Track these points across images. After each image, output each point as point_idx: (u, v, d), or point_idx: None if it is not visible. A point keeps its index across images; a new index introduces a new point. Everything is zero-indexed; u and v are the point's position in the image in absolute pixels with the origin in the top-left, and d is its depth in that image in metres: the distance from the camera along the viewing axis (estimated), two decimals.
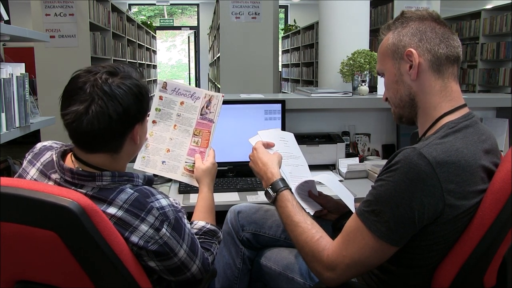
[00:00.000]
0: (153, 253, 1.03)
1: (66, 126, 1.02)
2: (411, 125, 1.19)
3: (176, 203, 1.11)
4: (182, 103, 1.44)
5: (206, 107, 1.45)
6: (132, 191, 1.04)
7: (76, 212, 0.85)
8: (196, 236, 1.18)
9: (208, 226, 1.28)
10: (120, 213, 1.00)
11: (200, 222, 1.28)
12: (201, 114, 1.45)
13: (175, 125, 1.44)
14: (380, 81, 2.50)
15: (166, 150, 1.43)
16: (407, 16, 1.14)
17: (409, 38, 1.10)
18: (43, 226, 0.86)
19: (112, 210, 1.01)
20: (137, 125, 1.08)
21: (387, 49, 1.15)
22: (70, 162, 1.08)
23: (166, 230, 1.04)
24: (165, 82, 1.45)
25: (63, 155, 1.11)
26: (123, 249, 0.97)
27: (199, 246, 1.15)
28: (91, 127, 0.99)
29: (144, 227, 1.01)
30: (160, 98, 1.44)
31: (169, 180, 1.97)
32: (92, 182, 1.04)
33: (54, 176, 1.07)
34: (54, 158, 1.09)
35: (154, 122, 1.43)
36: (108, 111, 0.99)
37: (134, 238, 1.00)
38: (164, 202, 1.06)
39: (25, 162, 1.16)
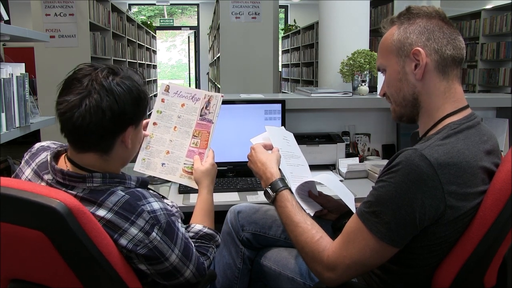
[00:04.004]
0: (142, 257, 1.02)
1: (58, 117, 1.00)
2: (411, 124, 1.17)
3: (172, 207, 1.09)
4: (183, 105, 1.45)
5: (206, 108, 1.45)
6: (123, 194, 1.02)
7: (62, 213, 0.85)
8: (192, 240, 1.16)
9: (205, 230, 1.25)
10: (109, 216, 0.99)
11: (197, 225, 1.26)
12: (200, 115, 1.45)
13: (175, 127, 1.44)
14: (381, 80, 2.49)
15: (165, 152, 1.43)
16: (414, 13, 1.10)
17: (417, 36, 1.07)
18: (31, 226, 0.87)
19: (101, 212, 1.00)
20: (130, 127, 1.06)
21: (392, 45, 1.11)
22: (63, 163, 1.08)
23: (157, 234, 1.02)
24: (167, 85, 1.46)
25: (56, 156, 1.10)
26: (112, 251, 0.96)
27: (194, 250, 1.13)
28: (82, 121, 0.97)
29: (133, 230, 0.99)
30: (162, 100, 1.44)
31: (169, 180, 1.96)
32: (82, 184, 1.02)
33: (46, 177, 1.07)
34: (48, 159, 1.09)
35: (155, 124, 1.42)
36: (102, 106, 0.98)
37: (123, 241, 0.99)
38: (156, 205, 1.04)
39: (22, 162, 1.15)
